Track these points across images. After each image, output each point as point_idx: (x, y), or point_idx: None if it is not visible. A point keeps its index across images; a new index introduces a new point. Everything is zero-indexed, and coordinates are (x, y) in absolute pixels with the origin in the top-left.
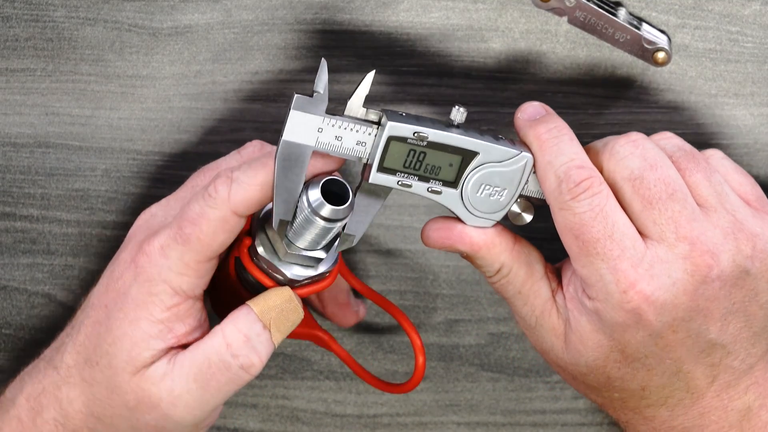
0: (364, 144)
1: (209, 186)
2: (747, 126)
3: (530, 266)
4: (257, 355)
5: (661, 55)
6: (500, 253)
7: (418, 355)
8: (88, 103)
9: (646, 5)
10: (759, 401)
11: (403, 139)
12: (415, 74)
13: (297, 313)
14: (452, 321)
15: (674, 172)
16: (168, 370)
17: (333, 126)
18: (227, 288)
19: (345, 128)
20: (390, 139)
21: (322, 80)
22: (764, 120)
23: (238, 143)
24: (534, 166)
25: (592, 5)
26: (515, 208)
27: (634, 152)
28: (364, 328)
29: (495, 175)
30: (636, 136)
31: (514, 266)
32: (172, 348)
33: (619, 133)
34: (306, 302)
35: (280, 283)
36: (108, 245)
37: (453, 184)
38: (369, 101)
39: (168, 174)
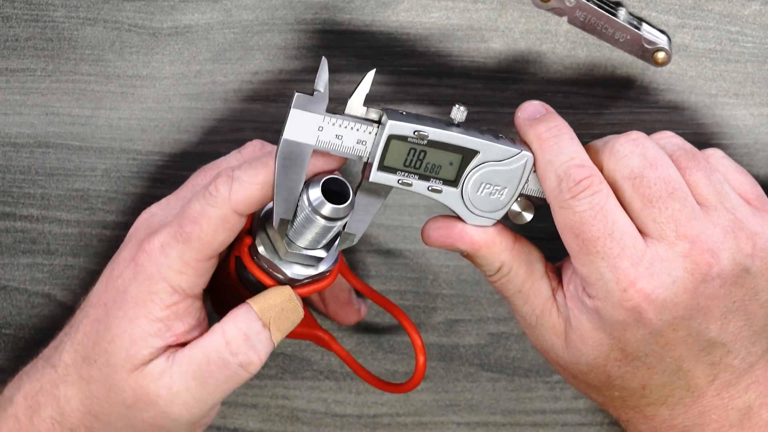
0: (364, 143)
1: (210, 185)
2: (747, 126)
3: (530, 265)
4: (256, 353)
5: (661, 55)
6: (500, 251)
7: (419, 354)
8: (88, 103)
9: (646, 5)
10: (759, 400)
11: (403, 138)
12: (415, 74)
13: (297, 313)
14: (452, 321)
15: (674, 171)
16: (167, 368)
17: (333, 125)
18: (228, 287)
19: (345, 127)
20: (390, 137)
21: (323, 79)
22: (764, 120)
23: (238, 143)
24: (534, 164)
25: (592, 5)
26: (515, 207)
27: (634, 151)
28: (364, 328)
29: (495, 173)
30: (636, 135)
31: (515, 265)
32: (170, 346)
33: (619, 133)
34: (307, 302)
35: (280, 283)
36: (108, 245)
37: (453, 182)
38: (369, 101)
39: (168, 174)
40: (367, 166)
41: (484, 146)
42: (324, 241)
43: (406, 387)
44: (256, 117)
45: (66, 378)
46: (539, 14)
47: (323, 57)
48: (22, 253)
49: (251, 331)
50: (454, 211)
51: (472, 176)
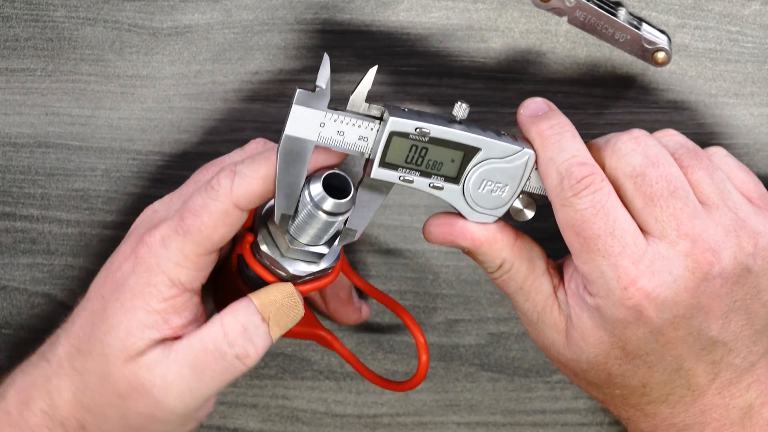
0: (366, 139)
1: (212, 179)
2: (747, 126)
3: (532, 262)
4: (253, 346)
5: (661, 55)
6: (502, 248)
7: (422, 352)
8: (88, 103)
9: (646, 5)
10: (761, 399)
11: (405, 135)
12: (415, 74)
13: (297, 310)
14: (452, 321)
15: (676, 170)
16: (162, 357)
17: (335, 121)
18: (230, 285)
19: (347, 123)
20: (392, 134)
21: (325, 75)
22: (764, 120)
23: (239, 143)
24: (536, 162)
25: (592, 5)
26: (517, 205)
27: (636, 149)
28: (364, 328)
29: (497, 171)
30: (638, 133)
31: (516, 262)
32: (166, 339)
33: None
34: (308, 301)
35: (282, 280)
36: (108, 245)
37: (455, 179)
38: (369, 100)
39: (168, 174)
40: (369, 162)
41: (486, 143)
42: (326, 237)
43: (409, 385)
44: (256, 117)
45: (59, 371)
46: (539, 14)
47: (325, 53)
48: (22, 253)
49: (250, 324)
50: (455, 208)
51: (473, 173)
